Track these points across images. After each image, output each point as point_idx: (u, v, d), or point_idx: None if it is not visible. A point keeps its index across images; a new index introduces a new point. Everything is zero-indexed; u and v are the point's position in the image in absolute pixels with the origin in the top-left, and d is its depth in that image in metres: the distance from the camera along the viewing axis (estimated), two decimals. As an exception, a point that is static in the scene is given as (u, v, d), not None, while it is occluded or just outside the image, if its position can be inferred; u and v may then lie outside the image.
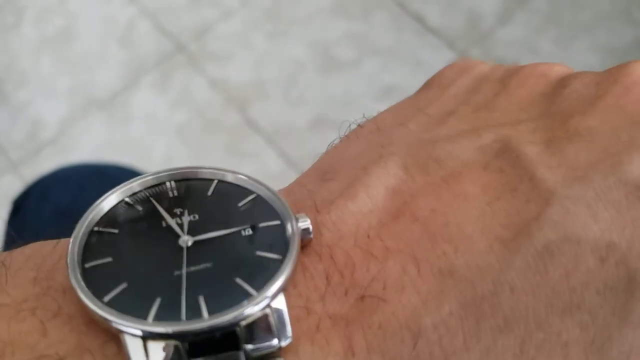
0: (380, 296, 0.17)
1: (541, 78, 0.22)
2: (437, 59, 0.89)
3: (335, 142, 0.22)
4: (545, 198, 0.18)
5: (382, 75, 0.88)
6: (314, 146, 0.89)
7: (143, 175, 0.20)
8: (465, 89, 0.22)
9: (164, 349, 0.15)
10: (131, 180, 0.19)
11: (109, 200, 0.18)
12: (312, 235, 0.17)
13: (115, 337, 0.16)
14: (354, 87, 0.87)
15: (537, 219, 0.17)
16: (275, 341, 0.16)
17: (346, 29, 0.92)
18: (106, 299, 0.16)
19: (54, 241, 0.19)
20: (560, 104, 0.21)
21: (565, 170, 0.18)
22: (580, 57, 0.88)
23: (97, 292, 0.16)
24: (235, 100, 0.87)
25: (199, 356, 0.15)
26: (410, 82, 0.90)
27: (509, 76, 0.22)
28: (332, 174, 0.20)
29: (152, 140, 0.85)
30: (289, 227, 0.17)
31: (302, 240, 0.17)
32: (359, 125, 0.22)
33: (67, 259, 0.17)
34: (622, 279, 0.17)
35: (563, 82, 0.21)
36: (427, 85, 0.24)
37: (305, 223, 0.17)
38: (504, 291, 0.17)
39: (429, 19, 0.93)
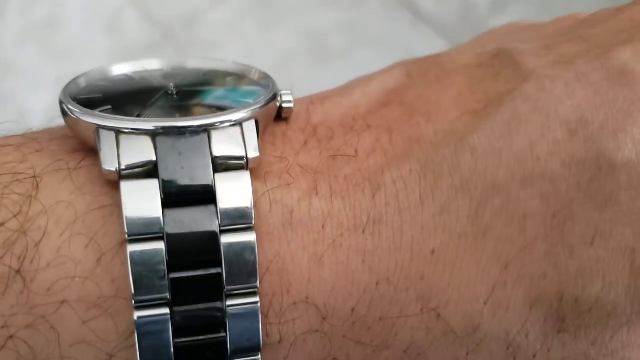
0: (351, 156, 0.17)
1: (570, 18, 0.23)
2: (430, 48, 0.88)
3: None
4: (523, 77, 0.18)
5: (375, 65, 0.87)
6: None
7: (147, 60, 0.20)
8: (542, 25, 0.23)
9: (135, 144, 0.16)
10: (136, 61, 0.20)
11: (115, 69, 0.19)
12: (292, 105, 0.18)
13: (90, 153, 0.16)
14: (347, 77, 0.86)
15: (510, 92, 0.17)
16: (242, 153, 0.16)
17: (338, 18, 0.91)
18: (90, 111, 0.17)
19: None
20: (585, 24, 0.21)
21: (552, 57, 0.18)
22: (574, 47, 0.88)
23: (84, 108, 0.17)
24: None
25: (167, 153, 0.16)
26: (403, 73, 0.90)
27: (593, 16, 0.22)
28: (341, 86, 0.21)
29: (141, 131, 0.84)
30: (269, 88, 0.18)
31: (281, 108, 0.18)
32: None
33: (60, 97, 0.17)
34: (591, 155, 0.16)
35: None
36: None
37: (287, 93, 0.19)
38: (464, 152, 0.17)
39: (421, 8, 0.92)
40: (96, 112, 0.16)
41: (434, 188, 0.17)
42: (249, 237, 0.16)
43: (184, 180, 0.15)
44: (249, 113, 0.17)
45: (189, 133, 0.16)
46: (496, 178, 0.16)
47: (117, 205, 0.15)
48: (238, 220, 0.16)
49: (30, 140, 0.17)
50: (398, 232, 0.16)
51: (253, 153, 0.16)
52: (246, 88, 0.19)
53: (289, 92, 0.19)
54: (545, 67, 0.18)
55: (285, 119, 0.18)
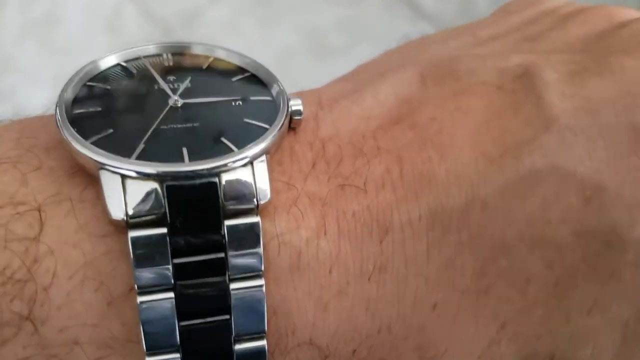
0: (360, 188, 0.17)
1: (604, 18, 0.20)
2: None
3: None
4: (545, 123, 0.17)
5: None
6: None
7: (143, 44, 0.19)
8: (527, 18, 0.21)
9: (143, 191, 0.15)
10: (131, 46, 0.19)
11: (106, 60, 0.18)
12: (302, 116, 0.18)
13: (94, 183, 0.16)
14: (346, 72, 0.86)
15: (530, 142, 0.16)
16: (253, 199, 0.16)
17: (338, 15, 0.91)
18: (91, 140, 0.16)
19: (42, 114, 0.19)
20: (609, 40, 0.19)
21: (577, 100, 0.17)
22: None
23: (83, 134, 0.16)
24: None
25: (177, 203, 0.15)
26: (403, 70, 0.90)
27: (573, 13, 0.21)
28: (349, 76, 0.21)
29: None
30: (280, 102, 0.17)
31: (291, 119, 0.17)
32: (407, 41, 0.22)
33: (56, 104, 0.17)
34: (602, 227, 0.16)
35: (624, 23, 0.20)
36: (496, 10, 0.23)
37: (297, 103, 0.17)
38: (474, 206, 0.16)
39: (421, 4, 0.92)
40: (100, 150, 0.15)
41: (441, 241, 0.16)
42: (258, 282, 0.16)
43: (194, 230, 0.15)
44: (261, 148, 0.16)
45: (199, 178, 0.15)
46: (504, 238, 0.16)
47: (125, 251, 0.15)
48: (247, 269, 0.16)
49: (26, 152, 0.16)
50: (402, 283, 0.16)
51: (264, 198, 0.16)
52: (255, 98, 0.18)
53: (299, 101, 0.18)
54: (569, 115, 0.17)
55: (294, 128, 0.18)
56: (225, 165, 0.15)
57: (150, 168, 0.15)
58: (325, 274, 0.16)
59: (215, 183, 0.15)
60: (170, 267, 0.15)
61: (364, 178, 0.17)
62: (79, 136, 0.16)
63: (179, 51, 0.19)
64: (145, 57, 0.19)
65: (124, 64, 0.18)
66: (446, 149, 0.17)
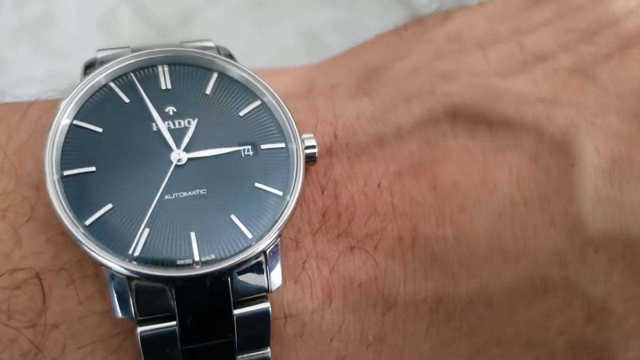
0: (369, 253, 0.16)
1: None
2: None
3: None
4: (570, 230, 0.16)
5: (370, 64, 0.87)
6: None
7: (134, 54, 0.17)
8: (583, 26, 0.19)
9: (151, 292, 0.14)
10: (117, 59, 0.17)
11: (90, 85, 0.16)
12: (316, 161, 0.16)
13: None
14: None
15: (549, 248, 0.16)
16: (264, 290, 0.15)
17: (334, 16, 0.91)
18: (88, 221, 0.15)
19: (24, 105, 0.17)
20: None
21: (610, 208, 0.16)
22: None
23: (79, 211, 0.15)
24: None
25: (186, 304, 0.14)
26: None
27: (636, 37, 0.19)
28: (370, 82, 0.19)
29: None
30: (293, 153, 0.16)
31: (306, 160, 0.16)
32: (431, 15, 0.20)
33: (43, 163, 0.15)
34: (597, 344, 0.16)
35: None
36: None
37: (311, 143, 0.16)
38: (480, 302, 0.16)
39: (416, 6, 0.92)
40: (99, 244, 0.14)
41: (441, 324, 0.17)
42: (264, 351, 0.16)
43: (204, 325, 0.15)
44: (276, 234, 0.15)
45: (209, 278, 0.15)
46: (502, 335, 0.16)
47: (132, 332, 0.15)
48: (254, 348, 0.16)
49: (14, 194, 0.15)
50: (397, 355, 0.17)
51: (275, 286, 0.15)
52: (266, 147, 0.16)
53: (313, 141, 0.16)
54: (597, 227, 0.16)
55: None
56: (238, 265, 0.15)
57: (159, 272, 0.14)
58: (327, 342, 0.16)
59: (226, 284, 0.15)
60: (179, 353, 0.15)
61: (375, 242, 0.16)
62: (75, 217, 0.15)
63: (176, 61, 0.17)
64: (135, 71, 0.17)
65: (113, 85, 0.17)
66: (464, 232, 0.16)
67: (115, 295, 0.14)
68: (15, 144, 0.16)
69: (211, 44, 0.18)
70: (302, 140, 0.16)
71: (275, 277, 0.15)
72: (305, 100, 0.17)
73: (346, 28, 0.90)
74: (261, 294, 0.15)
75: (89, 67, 0.17)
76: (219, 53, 0.18)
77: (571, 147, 0.16)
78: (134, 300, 0.14)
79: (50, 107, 0.17)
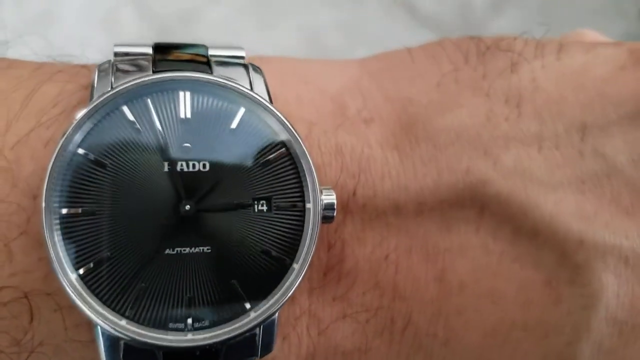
0: (360, 324, 0.16)
1: None
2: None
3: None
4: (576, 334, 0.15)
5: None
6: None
7: (154, 78, 0.15)
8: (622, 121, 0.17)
9: (140, 354, 0.14)
10: (135, 76, 0.15)
11: (102, 107, 0.14)
12: (333, 220, 0.15)
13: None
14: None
15: None
16: (254, 353, 0.15)
17: (336, 17, 0.91)
18: (82, 270, 0.14)
19: (33, 74, 0.16)
20: None
21: None
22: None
23: (75, 257, 0.14)
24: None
25: None
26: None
27: None
28: (406, 134, 0.17)
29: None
30: (310, 217, 0.15)
31: (323, 219, 0.15)
32: (499, 54, 0.18)
33: (42, 197, 0.14)
34: None
35: None
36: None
37: (331, 202, 0.15)
38: None
39: (419, 8, 0.92)
40: (94, 299, 0.14)
41: None
42: None
43: None
44: (277, 307, 0.15)
45: (199, 350, 0.14)
46: None
47: None
48: None
49: (9, 203, 0.14)
50: None
51: (266, 353, 0.15)
52: (283, 204, 0.15)
53: (333, 199, 0.15)
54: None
55: None
56: (230, 335, 0.14)
57: (150, 337, 0.14)
58: None
59: (216, 355, 0.14)
60: None
61: (368, 316, 0.16)
62: (70, 266, 0.14)
63: (200, 88, 0.15)
64: (153, 94, 0.15)
65: (126, 110, 0.15)
66: (455, 337, 0.16)
67: (103, 350, 0.14)
68: (15, 136, 0.15)
69: (242, 54, 0.17)
70: (322, 199, 0.15)
71: (267, 346, 0.15)
72: (334, 138, 0.16)
73: (348, 30, 0.90)
74: (250, 358, 0.15)
75: (102, 70, 0.16)
76: (249, 70, 0.16)
77: (592, 283, 0.16)
78: (122, 355, 0.14)
79: (60, 91, 0.16)
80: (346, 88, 0.17)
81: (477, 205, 0.16)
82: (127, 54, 0.16)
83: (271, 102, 0.16)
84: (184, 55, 0.16)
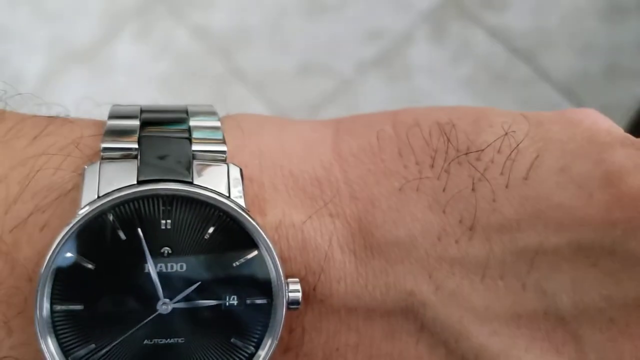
0: None
1: None
2: (424, 1, 0.87)
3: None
4: None
5: (368, 19, 0.86)
6: (302, 94, 0.88)
7: (138, 190, 0.16)
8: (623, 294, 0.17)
9: None
10: (121, 185, 0.16)
11: (90, 216, 0.16)
12: (299, 308, 0.17)
13: None
14: (340, 32, 0.86)
15: None
16: None
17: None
18: (73, 357, 0.16)
19: (27, 150, 0.17)
20: None
21: None
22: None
23: (65, 346, 0.16)
24: (219, 48, 0.85)
25: None
26: (396, 26, 0.89)
27: None
28: (364, 240, 0.18)
29: (135, 92, 0.83)
30: (276, 311, 0.17)
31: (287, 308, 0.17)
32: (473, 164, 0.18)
33: (35, 295, 0.16)
34: None
35: None
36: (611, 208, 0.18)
37: (296, 299, 0.17)
38: None
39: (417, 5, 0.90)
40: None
41: None
42: None
43: None
44: None
45: None
46: None
47: None
48: None
49: (7, 282, 0.16)
50: None
51: None
52: (250, 302, 0.17)
53: (297, 289, 0.17)
54: None
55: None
56: None
57: None
58: None
59: None
60: None
61: None
62: (55, 356, 0.16)
63: (180, 199, 0.17)
64: (137, 204, 0.16)
65: (112, 219, 0.16)
66: None
67: None
68: (13, 219, 0.17)
69: (224, 148, 0.18)
70: (288, 295, 0.17)
71: None
72: (301, 234, 0.18)
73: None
74: None
75: (90, 172, 0.17)
76: (228, 170, 0.18)
77: None
78: None
79: (55, 173, 0.17)
80: (317, 179, 0.19)
81: (418, 321, 0.18)
82: (113, 149, 0.17)
83: (246, 198, 0.18)
84: (169, 134, 0.18)
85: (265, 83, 0.83)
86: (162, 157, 0.17)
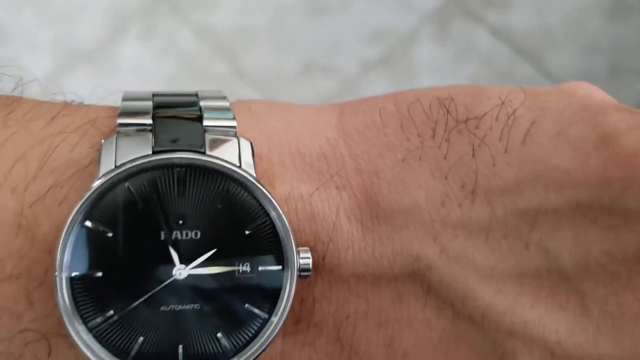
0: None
1: None
2: (427, 1, 0.87)
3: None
4: None
5: (371, 19, 0.86)
6: (306, 94, 0.88)
7: (153, 159, 0.17)
8: (622, 246, 0.18)
9: None
10: (137, 155, 0.17)
11: (107, 185, 0.17)
12: (309, 276, 0.18)
13: None
14: (342, 31, 0.86)
15: None
16: None
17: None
18: (91, 324, 0.16)
19: (46, 129, 0.18)
20: None
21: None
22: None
23: (84, 313, 0.16)
24: (222, 48, 0.85)
25: None
26: (400, 26, 0.89)
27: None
28: (370, 209, 0.19)
29: (140, 92, 0.84)
30: (287, 278, 0.17)
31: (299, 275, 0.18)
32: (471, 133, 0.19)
33: (54, 263, 0.16)
34: None
35: None
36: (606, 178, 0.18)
37: (307, 265, 0.17)
38: None
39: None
40: (100, 350, 0.16)
41: None
42: None
43: None
44: (255, 354, 0.17)
45: None
46: None
47: None
48: None
49: (29, 255, 0.17)
50: None
51: None
52: (263, 269, 0.17)
53: (308, 257, 0.18)
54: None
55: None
56: None
57: None
58: None
59: None
60: None
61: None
62: (79, 318, 0.16)
63: (194, 167, 0.17)
64: (153, 172, 0.17)
65: (129, 186, 0.17)
66: None
67: None
68: (33, 195, 0.17)
69: (234, 124, 0.19)
70: (299, 261, 0.18)
71: None
72: (309, 206, 0.18)
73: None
74: None
75: (108, 144, 0.18)
76: (239, 143, 0.18)
77: None
78: None
79: (72, 150, 0.18)
80: (323, 155, 0.19)
81: (425, 285, 0.18)
82: (129, 125, 0.18)
83: (256, 173, 0.18)
84: (181, 115, 0.19)
85: (269, 83, 0.83)
86: (175, 138, 0.18)
